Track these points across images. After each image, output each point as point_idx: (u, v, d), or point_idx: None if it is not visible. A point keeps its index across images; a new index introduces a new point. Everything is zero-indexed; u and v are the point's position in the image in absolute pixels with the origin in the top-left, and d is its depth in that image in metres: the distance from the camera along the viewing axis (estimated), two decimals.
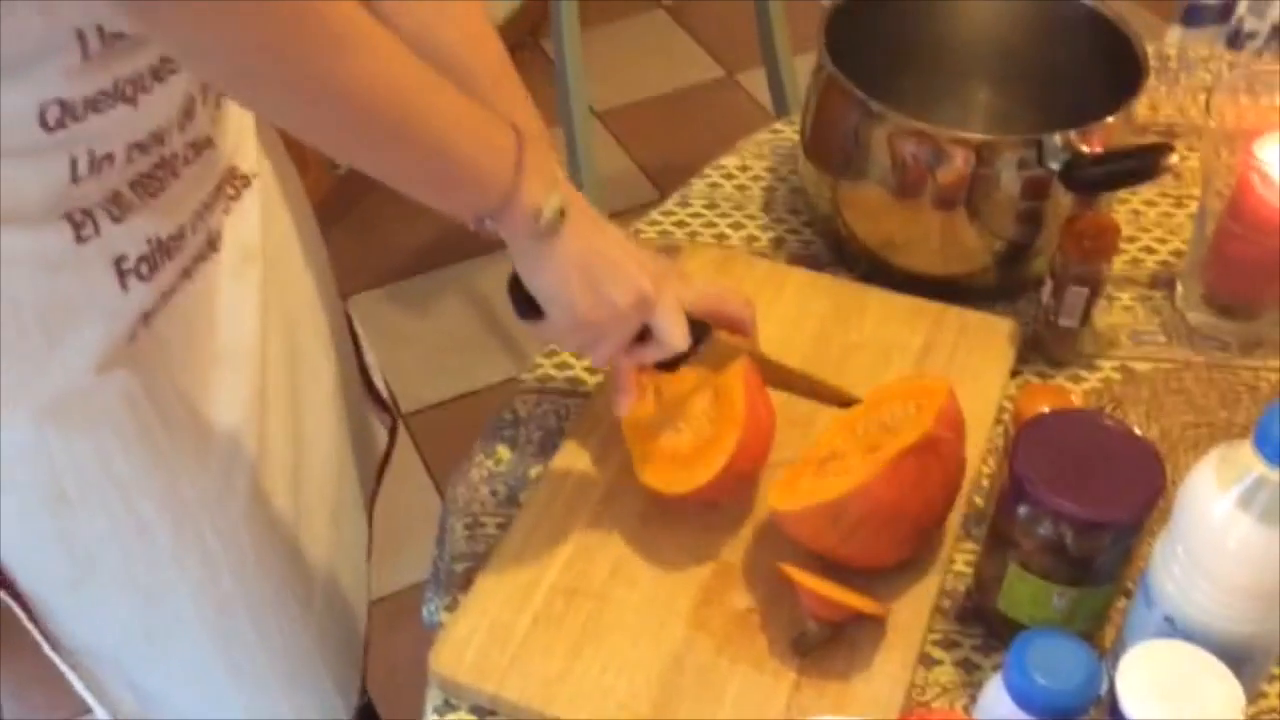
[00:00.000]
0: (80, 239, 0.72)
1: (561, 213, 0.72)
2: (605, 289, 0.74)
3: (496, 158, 0.70)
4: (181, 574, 0.84)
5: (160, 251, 0.76)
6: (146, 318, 0.77)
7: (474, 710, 0.76)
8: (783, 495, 0.79)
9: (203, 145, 0.79)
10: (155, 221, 0.76)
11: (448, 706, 0.76)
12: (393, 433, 1.12)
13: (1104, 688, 0.63)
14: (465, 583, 0.82)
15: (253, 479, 0.87)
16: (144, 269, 0.75)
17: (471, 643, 0.77)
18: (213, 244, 0.82)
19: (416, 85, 0.67)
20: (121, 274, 0.74)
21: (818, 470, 0.79)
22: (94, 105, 0.68)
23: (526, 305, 0.78)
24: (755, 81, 2.46)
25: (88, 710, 0.93)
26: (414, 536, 1.45)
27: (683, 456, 0.82)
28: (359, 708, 1.03)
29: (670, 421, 0.84)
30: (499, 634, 0.77)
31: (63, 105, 0.67)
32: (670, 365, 0.82)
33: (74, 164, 0.69)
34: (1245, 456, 0.63)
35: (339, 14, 0.62)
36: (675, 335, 0.78)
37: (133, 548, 0.82)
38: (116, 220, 0.73)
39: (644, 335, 0.79)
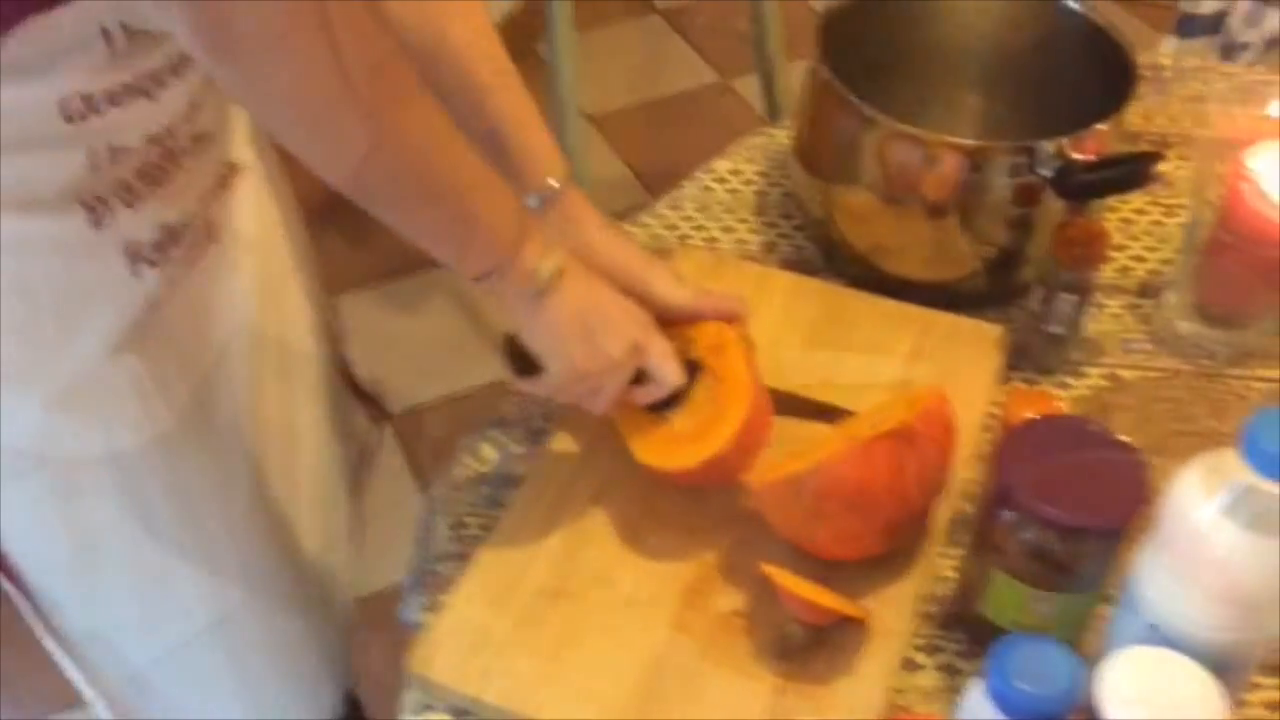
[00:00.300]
0: (96, 224, 0.73)
1: (558, 272, 0.75)
2: (600, 341, 0.77)
3: (506, 217, 0.73)
4: (183, 559, 0.85)
5: (169, 238, 0.78)
6: (153, 304, 0.78)
7: (452, 711, 0.75)
8: (759, 470, 0.80)
9: (203, 137, 0.81)
10: (164, 208, 0.77)
11: (426, 708, 0.76)
12: (376, 424, 1.13)
13: (1085, 694, 0.63)
14: (447, 583, 0.81)
15: (252, 464, 0.88)
16: (154, 255, 0.77)
17: (452, 644, 0.77)
18: (211, 233, 0.83)
19: (450, 142, 0.69)
20: (133, 260, 0.76)
21: (798, 453, 0.79)
22: (114, 99, 0.70)
23: (522, 365, 0.80)
24: (749, 87, 2.45)
25: (64, 709, 0.93)
26: (399, 537, 1.44)
27: (684, 435, 0.82)
28: (345, 697, 1.03)
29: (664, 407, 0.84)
30: (480, 635, 0.77)
31: (85, 99, 0.68)
32: (663, 406, 0.83)
33: (93, 155, 0.71)
34: (1232, 464, 0.63)
35: (408, 67, 0.65)
36: (670, 375, 0.81)
37: (137, 534, 0.83)
38: (129, 206, 0.74)
39: (638, 378, 0.81)
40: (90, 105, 0.68)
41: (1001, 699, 0.62)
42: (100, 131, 0.70)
